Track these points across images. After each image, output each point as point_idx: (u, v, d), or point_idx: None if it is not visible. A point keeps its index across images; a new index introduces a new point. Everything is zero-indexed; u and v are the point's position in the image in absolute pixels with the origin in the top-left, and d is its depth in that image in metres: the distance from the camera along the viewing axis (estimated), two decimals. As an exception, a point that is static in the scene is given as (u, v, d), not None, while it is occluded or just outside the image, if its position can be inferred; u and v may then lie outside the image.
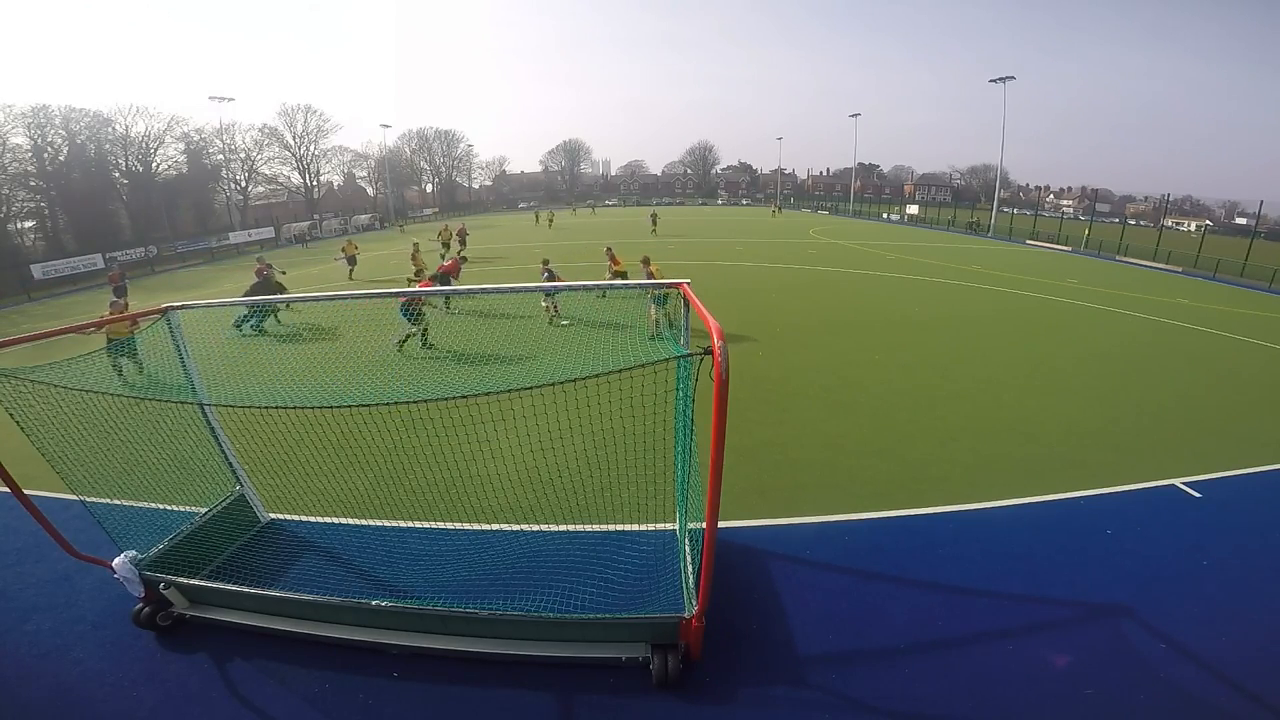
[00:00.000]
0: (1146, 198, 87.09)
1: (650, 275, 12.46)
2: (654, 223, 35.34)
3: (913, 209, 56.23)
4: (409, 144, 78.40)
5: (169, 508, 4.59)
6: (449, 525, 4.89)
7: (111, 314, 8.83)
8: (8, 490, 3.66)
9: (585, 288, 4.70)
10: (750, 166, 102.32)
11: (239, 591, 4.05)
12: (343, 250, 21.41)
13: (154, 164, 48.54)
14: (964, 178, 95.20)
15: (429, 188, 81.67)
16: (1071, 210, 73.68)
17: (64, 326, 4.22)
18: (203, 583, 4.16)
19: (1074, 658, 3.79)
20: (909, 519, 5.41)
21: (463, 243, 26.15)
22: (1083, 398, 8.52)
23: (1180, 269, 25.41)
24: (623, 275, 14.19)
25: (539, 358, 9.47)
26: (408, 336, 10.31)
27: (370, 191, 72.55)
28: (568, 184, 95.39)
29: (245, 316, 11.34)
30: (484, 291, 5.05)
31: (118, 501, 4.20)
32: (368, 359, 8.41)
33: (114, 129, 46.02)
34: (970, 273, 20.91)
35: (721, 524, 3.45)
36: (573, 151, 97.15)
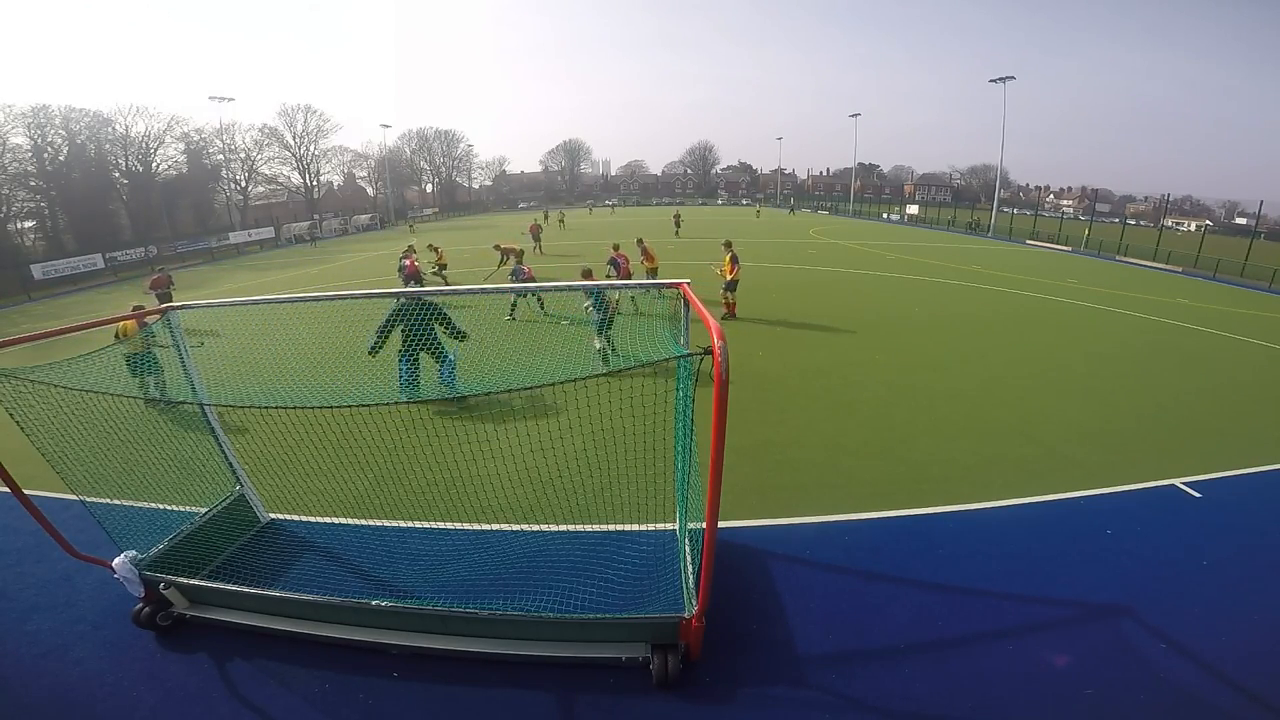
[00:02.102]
0: (1146, 198, 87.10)
1: (735, 257, 12.66)
2: (677, 224, 34.84)
3: (913, 209, 56.27)
4: (409, 144, 78.58)
5: (169, 508, 4.58)
6: (449, 525, 4.89)
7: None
8: (8, 490, 3.66)
9: (583, 288, 4.70)
10: (750, 166, 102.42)
11: (239, 591, 4.04)
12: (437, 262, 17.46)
13: (154, 164, 48.58)
14: (964, 178, 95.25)
15: (429, 188, 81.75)
16: (1071, 210, 73.67)
17: (64, 326, 4.22)
18: (203, 583, 4.16)
19: (1074, 658, 3.78)
20: (909, 519, 5.41)
21: (536, 239, 25.55)
22: (1083, 398, 8.52)
23: (1180, 269, 25.41)
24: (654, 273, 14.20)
25: (539, 358, 9.46)
26: (601, 349, 8.94)
27: (370, 191, 72.67)
28: (568, 184, 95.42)
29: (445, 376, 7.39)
30: (484, 292, 5.05)
31: (118, 501, 4.20)
32: (367, 359, 8.40)
33: (114, 129, 46.08)
34: (970, 273, 20.91)
35: (721, 524, 3.45)
36: (573, 151, 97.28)
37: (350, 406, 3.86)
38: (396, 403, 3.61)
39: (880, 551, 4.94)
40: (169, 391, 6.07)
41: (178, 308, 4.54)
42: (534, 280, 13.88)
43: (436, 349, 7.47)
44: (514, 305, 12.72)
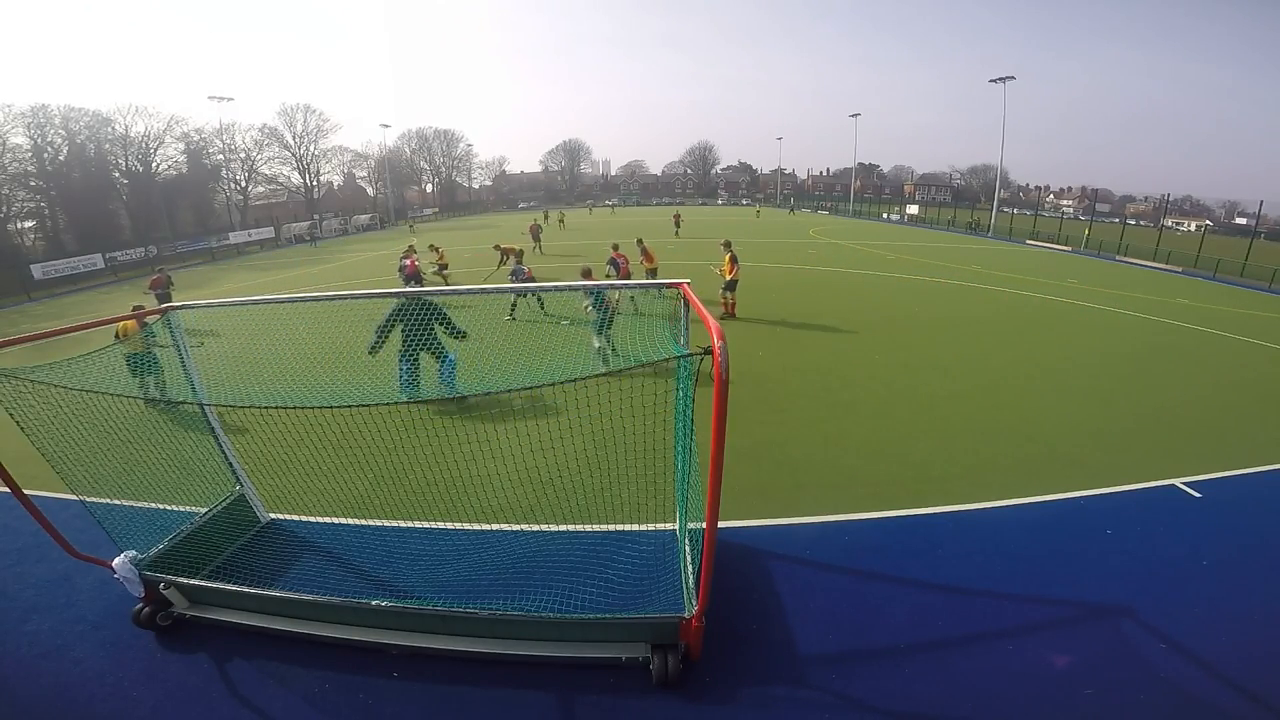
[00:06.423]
0: (1146, 198, 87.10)
1: (734, 257, 12.76)
2: (677, 224, 35.19)
3: (913, 209, 56.29)
4: (409, 144, 78.62)
5: (169, 508, 4.58)
6: (449, 525, 4.89)
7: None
8: (8, 490, 3.66)
9: (584, 288, 4.69)
10: (750, 166, 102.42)
11: (239, 591, 4.04)
12: (435, 262, 16.87)
13: (154, 164, 48.59)
14: (964, 178, 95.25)
15: (429, 188, 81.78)
16: (1071, 210, 73.58)
17: (64, 326, 4.21)
18: (203, 583, 4.15)
19: (1074, 658, 3.78)
20: (909, 519, 5.41)
21: (536, 239, 25.01)
22: (1083, 398, 8.52)
23: (1180, 269, 25.41)
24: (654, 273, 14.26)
25: (539, 358, 9.46)
26: (600, 349, 8.74)
27: (370, 191, 72.69)
28: (567, 184, 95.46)
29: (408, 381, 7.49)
30: (483, 292, 5.05)
31: (118, 501, 4.20)
32: (367, 359, 8.39)
33: (114, 129, 46.10)
34: (970, 273, 20.90)
35: (721, 524, 3.45)
36: (573, 151, 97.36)
37: (350, 406, 3.85)
38: (396, 403, 3.61)
39: (880, 551, 4.94)
40: (169, 391, 6.09)
41: (178, 308, 4.54)
42: (534, 280, 13.87)
43: (437, 348, 7.57)
44: (514, 305, 12.76)
